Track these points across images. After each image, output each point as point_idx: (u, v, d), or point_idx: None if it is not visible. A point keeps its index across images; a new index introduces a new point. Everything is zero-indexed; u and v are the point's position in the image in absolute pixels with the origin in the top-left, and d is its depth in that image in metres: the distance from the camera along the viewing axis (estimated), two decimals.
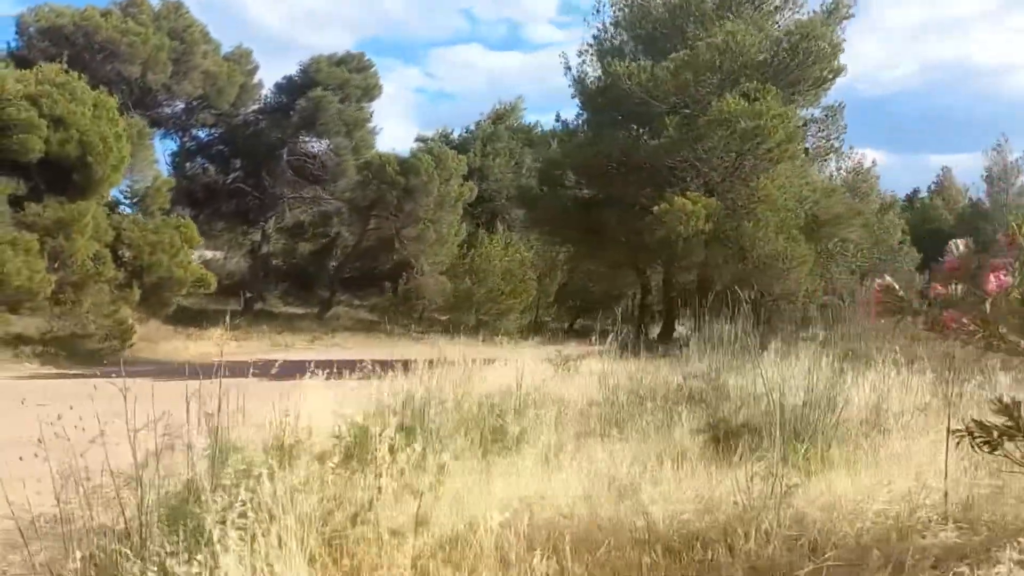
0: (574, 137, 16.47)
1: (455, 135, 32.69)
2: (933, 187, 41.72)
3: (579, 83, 17.26)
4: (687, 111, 14.97)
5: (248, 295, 28.77)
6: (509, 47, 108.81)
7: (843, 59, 16.03)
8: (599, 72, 16.94)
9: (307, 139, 30.03)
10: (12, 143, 18.12)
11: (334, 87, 27.40)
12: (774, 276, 14.53)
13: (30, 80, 18.97)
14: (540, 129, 34.09)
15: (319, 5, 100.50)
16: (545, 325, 30.65)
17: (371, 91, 28.81)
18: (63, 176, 19.55)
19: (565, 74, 17.43)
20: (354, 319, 29.44)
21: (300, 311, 29.99)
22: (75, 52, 24.28)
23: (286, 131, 28.91)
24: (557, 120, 17.86)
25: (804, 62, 15.04)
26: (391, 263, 29.38)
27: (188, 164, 30.84)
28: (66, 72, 19.80)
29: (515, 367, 9.11)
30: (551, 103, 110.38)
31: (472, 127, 32.82)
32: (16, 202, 18.70)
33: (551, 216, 17.47)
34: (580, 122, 17.57)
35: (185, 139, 30.01)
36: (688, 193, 14.13)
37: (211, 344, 21.85)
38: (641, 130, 16.07)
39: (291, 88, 29.01)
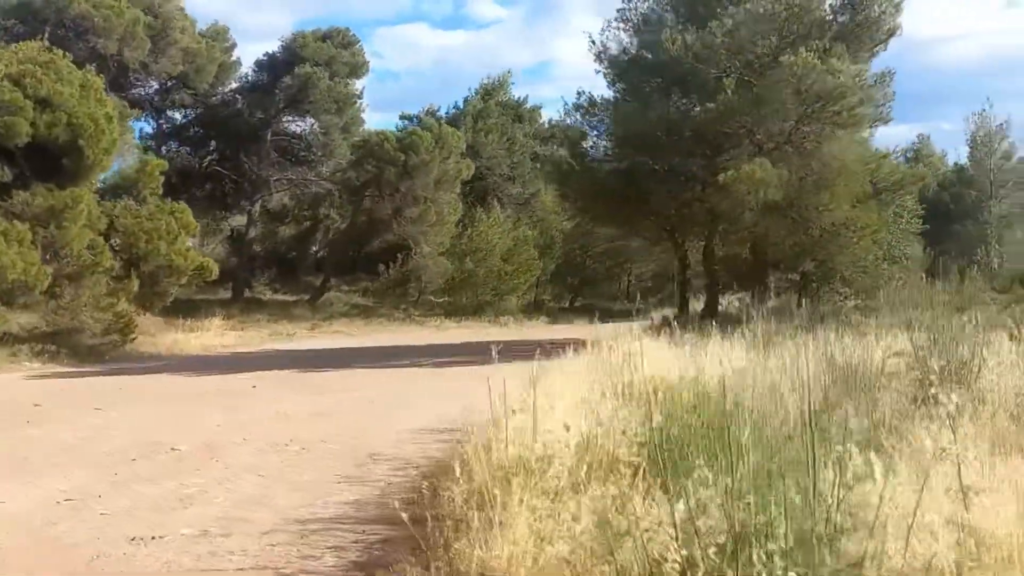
0: (616, 108, 15.75)
1: (442, 112, 31.75)
2: (909, 154, 42.04)
3: (603, 55, 16.57)
4: (740, 75, 14.38)
5: (234, 283, 27.57)
6: (454, 26, 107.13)
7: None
8: (628, 42, 16.32)
9: (290, 119, 28.81)
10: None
11: (321, 63, 26.21)
12: (841, 245, 14.15)
13: (11, 59, 17.57)
14: (529, 104, 33.38)
15: None
16: (543, 304, 30.05)
17: (358, 68, 27.72)
18: (51, 161, 18.21)
19: (590, 48, 16.76)
20: (348, 304, 28.46)
21: (290, 298, 28.90)
22: (45, 29, 22.77)
23: (269, 111, 27.69)
24: (579, 94, 17.21)
25: (865, 20, 14.54)
26: (385, 245, 28.43)
27: (163, 148, 29.35)
28: (49, 50, 18.42)
29: (634, 347, 8.49)
30: (494, 84, 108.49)
31: (460, 103, 31.93)
32: (1, 189, 17.37)
33: (584, 191, 16.82)
34: (616, 94, 16.88)
35: (161, 121, 28.53)
36: (756, 160, 13.58)
37: (212, 336, 20.85)
38: (687, 98, 15.42)
39: (273, 65, 27.74)
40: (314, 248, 32.82)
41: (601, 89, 18.27)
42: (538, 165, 31.36)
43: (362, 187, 26.90)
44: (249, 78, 28.45)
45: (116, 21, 22.34)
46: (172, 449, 6.05)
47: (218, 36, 27.68)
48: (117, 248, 18.88)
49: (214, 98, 28.91)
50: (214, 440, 6.47)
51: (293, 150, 29.16)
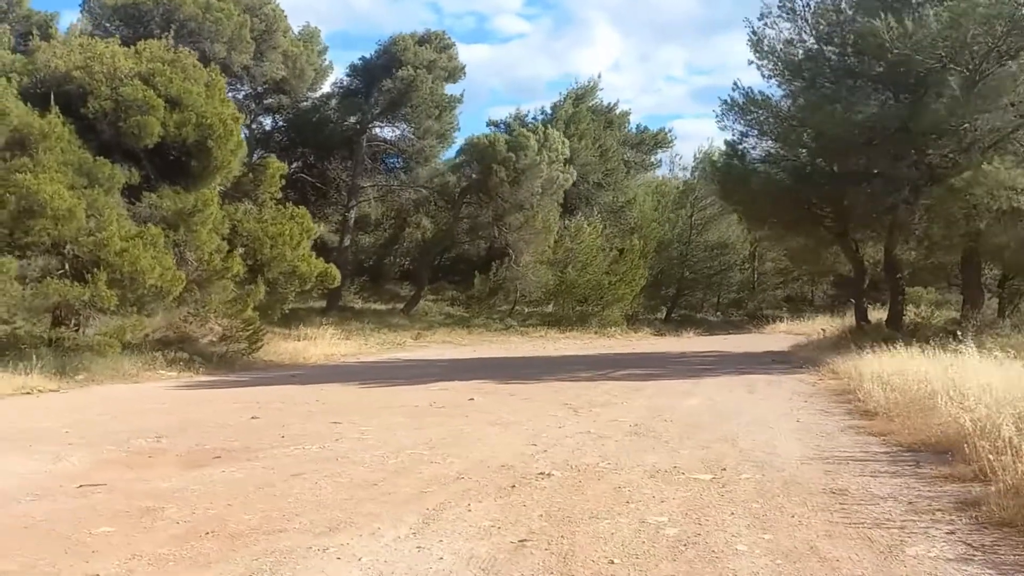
0: (802, 107, 14.68)
1: (529, 117, 30.94)
2: None
3: (770, 53, 15.54)
4: (964, 69, 13.28)
5: (329, 292, 26.86)
6: (477, 39, 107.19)
7: None
8: (795, 34, 15.28)
9: (382, 124, 28.16)
10: (129, 126, 16.17)
11: (422, 67, 25.53)
12: None
13: (139, 58, 17.03)
14: (619, 109, 32.49)
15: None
16: (637, 315, 29.04)
17: (456, 73, 27.03)
18: (176, 163, 17.64)
19: (749, 39, 15.75)
20: (444, 314, 27.67)
21: (382, 307, 28.19)
22: (148, 32, 22.32)
23: (365, 116, 27.02)
24: (735, 88, 16.20)
25: None
26: (480, 253, 27.63)
27: (253, 155, 28.86)
28: (174, 50, 17.87)
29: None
30: (518, 95, 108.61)
31: (547, 109, 31.12)
32: (129, 192, 16.77)
33: (743, 193, 15.81)
34: (786, 90, 15.81)
35: (252, 127, 28.03)
36: (1002, 159, 12.47)
37: (327, 345, 20.12)
38: (894, 95, 14.32)
39: (369, 70, 27.11)
40: (399, 256, 32.14)
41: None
42: (627, 171, 30.54)
43: (462, 193, 26.13)
44: (344, 83, 27.85)
45: (226, 24, 21.86)
46: (541, 475, 5.15)
47: (311, 39, 27.17)
48: (241, 254, 18.20)
49: (305, 103, 28.37)
50: (577, 462, 5.52)
51: (386, 156, 28.49)
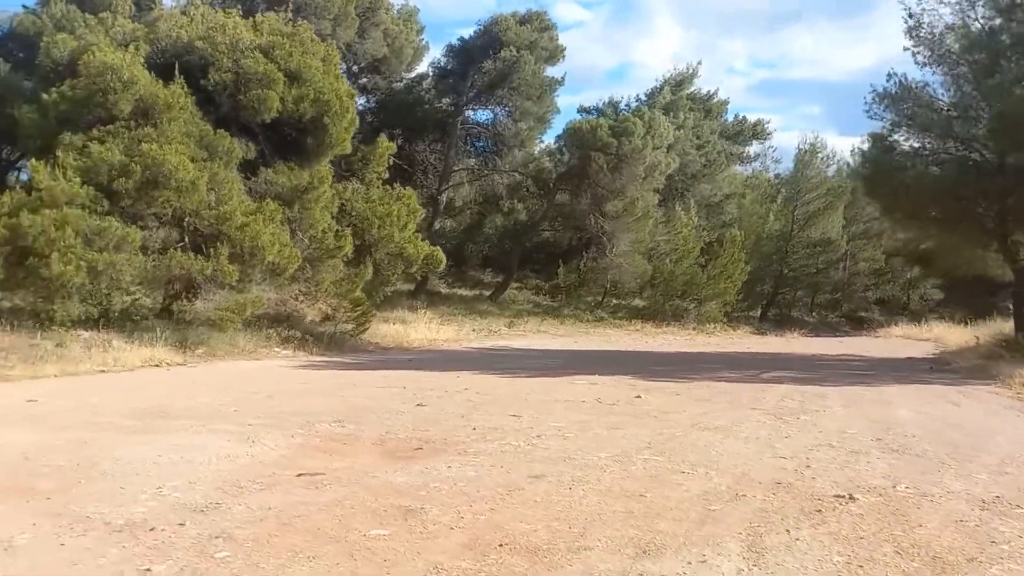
0: (983, 88, 13.53)
1: (623, 104, 30.11)
2: None
3: (928, 39, 14.47)
4: None
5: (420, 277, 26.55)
6: None
7: None
8: (955, 21, 14.17)
9: (477, 107, 27.64)
10: (248, 100, 15.97)
11: (524, 48, 24.91)
12: None
13: (261, 30, 16.79)
14: (716, 99, 31.48)
15: None
16: (730, 313, 28.06)
17: (556, 54, 26.30)
18: (290, 139, 17.42)
19: (905, 21, 14.71)
20: (531, 302, 27.16)
21: (467, 293, 27.79)
22: (254, 6, 22.16)
23: (460, 97, 26.53)
24: (889, 78, 15.12)
25: None
26: (572, 242, 27.02)
27: None
28: (292, 23, 17.60)
29: None
30: (576, 85, 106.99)
31: (642, 96, 30.25)
32: (243, 168, 16.56)
33: (904, 189, 14.81)
34: (957, 77, 14.63)
35: None
36: None
37: (424, 329, 19.74)
38: None
39: (467, 50, 26.57)
40: (481, 242, 31.70)
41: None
42: (726, 162, 29.56)
43: (559, 179, 25.49)
44: (440, 63, 27.41)
45: (335, 0, 21.52)
46: (839, 498, 4.52)
47: (410, 18, 26.76)
48: (350, 234, 17.92)
49: (397, 84, 28.00)
50: (864, 482, 4.87)
51: (476, 140, 27.99)
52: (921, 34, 14.66)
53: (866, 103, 14.95)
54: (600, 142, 22.87)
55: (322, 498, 4.57)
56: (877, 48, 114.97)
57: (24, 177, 27.35)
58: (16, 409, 7.88)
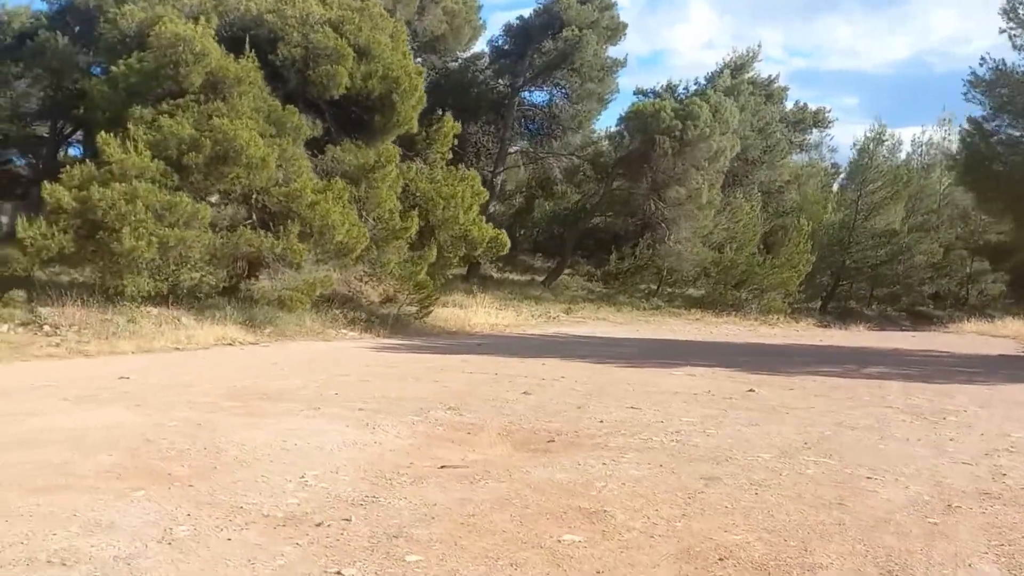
0: None
1: (680, 88, 29.31)
2: None
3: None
4: None
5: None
6: None
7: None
8: None
9: (533, 88, 27.07)
10: (318, 75, 15.62)
11: (586, 27, 24.28)
12: None
13: (330, 4, 16.41)
14: (777, 84, 30.61)
15: None
16: (791, 304, 27.27)
17: (617, 32, 25.60)
18: (355, 117, 17.08)
19: (1002, 14, 13.90)
20: (585, 289, 26.68)
21: (520, 278, 27.36)
22: None
23: (517, 78, 25.99)
24: (982, 62, 14.38)
25: None
26: (629, 228, 26.44)
27: None
28: None
29: None
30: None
31: (702, 80, 29.43)
32: (309, 145, 16.24)
33: (1004, 177, 14.12)
34: None
35: None
36: None
37: (484, 314, 19.36)
38: None
39: (524, 30, 26.01)
40: (531, 227, 31.25)
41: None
42: (787, 149, 28.78)
43: (618, 162, 24.88)
44: (497, 42, 26.88)
45: None
46: None
47: None
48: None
49: (452, 64, 27.50)
50: None
51: (530, 122, 27.46)
52: (1020, 14, 13.86)
53: (964, 83, 14.16)
54: (663, 125, 22.20)
55: (482, 494, 4.19)
56: (914, 40, 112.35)
57: (74, 152, 27.42)
58: (110, 386, 7.63)
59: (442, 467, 4.85)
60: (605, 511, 3.90)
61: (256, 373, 8.92)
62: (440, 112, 28.46)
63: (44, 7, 23.80)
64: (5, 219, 22.81)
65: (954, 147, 30.03)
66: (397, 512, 3.88)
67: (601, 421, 6.34)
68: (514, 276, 27.50)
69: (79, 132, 25.92)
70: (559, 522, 3.74)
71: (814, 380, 9.53)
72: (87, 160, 13.99)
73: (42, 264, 13.61)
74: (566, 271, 28.97)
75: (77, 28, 21.99)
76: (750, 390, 8.36)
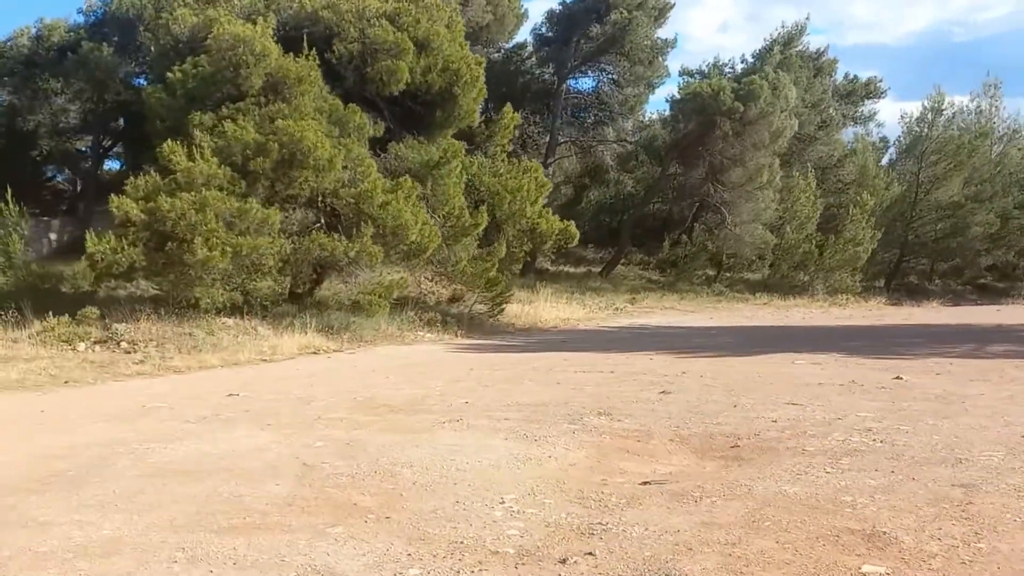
0: None
1: (728, 67, 28.50)
2: None
3: None
4: None
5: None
6: None
7: None
8: None
9: (580, 74, 26.46)
10: (377, 71, 15.21)
11: (635, 9, 23.60)
12: None
13: None
14: (827, 56, 29.70)
15: None
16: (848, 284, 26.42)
17: (665, 12, 24.89)
18: (414, 112, 16.65)
19: None
20: (643, 278, 26.09)
21: (572, 270, 26.83)
22: None
23: (563, 66, 25.40)
24: None
25: None
26: (685, 213, 25.78)
27: None
28: None
29: None
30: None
31: (748, 57, 28.61)
32: (372, 144, 15.82)
33: None
34: None
35: None
36: None
37: (550, 308, 18.89)
38: None
39: (569, 16, 25.40)
40: (580, 216, 30.57)
41: None
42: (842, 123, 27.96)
43: (673, 146, 24.21)
44: (540, 30, 26.30)
45: None
46: None
47: None
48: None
49: (495, 54, 26.96)
50: None
51: (578, 110, 26.87)
52: None
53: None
54: (724, 106, 21.48)
55: (720, 516, 3.71)
56: (933, 10, 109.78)
57: (111, 166, 27.28)
58: (224, 405, 7.26)
59: (644, 483, 4.38)
60: (883, 532, 3.39)
61: (365, 383, 8.52)
62: (486, 104, 28.00)
63: (81, 19, 23.60)
64: (53, 235, 22.78)
65: (1005, 114, 29.16)
66: (639, 541, 3.41)
67: (774, 421, 5.83)
68: (569, 269, 26.99)
69: (118, 145, 25.88)
70: (840, 548, 3.24)
71: (951, 363, 8.93)
72: (151, 171, 13.67)
73: (114, 279, 13.37)
74: (621, 261, 28.41)
75: (116, 38, 21.82)
76: (897, 377, 7.79)
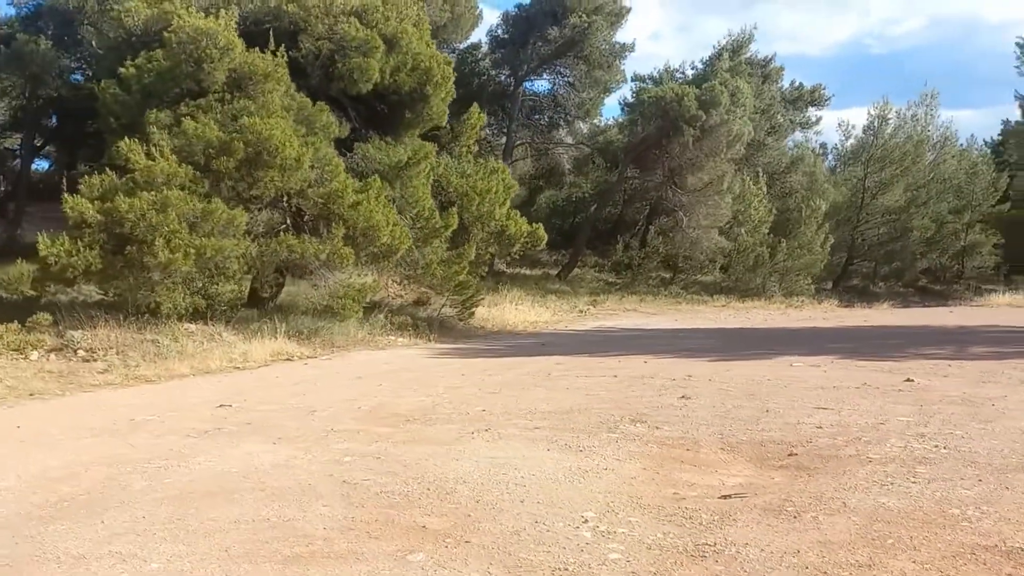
0: None
1: (679, 72, 28.72)
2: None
3: None
4: None
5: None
6: (502, 4, 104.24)
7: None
8: None
9: (537, 77, 26.30)
10: (347, 69, 14.69)
11: (593, 13, 23.55)
12: None
13: None
14: (773, 64, 30.25)
15: None
16: (803, 287, 26.94)
17: (621, 16, 24.90)
18: (381, 112, 16.17)
19: None
20: (600, 280, 26.05)
21: (530, 272, 26.62)
22: None
23: (520, 68, 25.20)
24: None
25: None
26: (637, 216, 25.82)
27: None
28: None
29: None
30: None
31: (698, 64, 28.88)
32: (338, 144, 15.28)
33: None
34: None
35: None
36: None
37: (515, 311, 18.64)
38: None
39: (526, 18, 25.22)
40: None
41: None
42: (791, 128, 28.50)
43: (630, 150, 24.22)
44: (497, 32, 26.04)
45: None
46: None
47: None
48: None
49: (450, 54, 26.56)
50: None
51: (533, 112, 26.70)
52: None
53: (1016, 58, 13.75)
54: (688, 112, 21.54)
55: (830, 534, 3.49)
56: (856, 21, 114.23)
57: (39, 167, 25.92)
58: (219, 417, 6.76)
59: (723, 496, 4.13)
60: (1019, 548, 3.20)
61: (361, 391, 8.08)
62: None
63: (12, 11, 22.32)
64: None
65: (938, 122, 30.36)
66: (763, 564, 3.15)
67: (818, 427, 5.66)
68: (525, 271, 26.75)
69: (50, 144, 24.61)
70: (986, 568, 3.04)
71: (948, 365, 8.99)
72: (107, 169, 12.88)
73: (67, 284, 12.55)
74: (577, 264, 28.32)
75: (51, 31, 20.68)
76: (907, 379, 7.76)
